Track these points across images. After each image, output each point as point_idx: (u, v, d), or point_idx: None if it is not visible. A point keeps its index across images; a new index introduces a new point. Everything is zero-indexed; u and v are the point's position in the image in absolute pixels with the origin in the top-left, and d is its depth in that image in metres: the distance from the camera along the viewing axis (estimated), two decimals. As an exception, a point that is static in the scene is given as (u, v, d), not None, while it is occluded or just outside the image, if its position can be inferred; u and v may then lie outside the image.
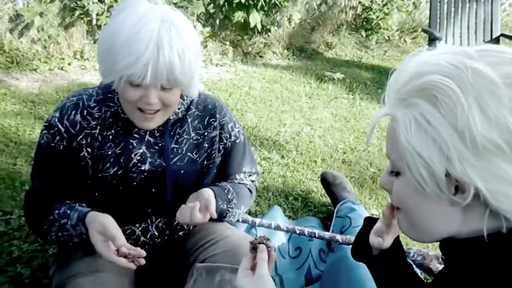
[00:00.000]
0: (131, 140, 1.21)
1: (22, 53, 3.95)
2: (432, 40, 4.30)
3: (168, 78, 1.05)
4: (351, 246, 1.71)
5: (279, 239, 1.92)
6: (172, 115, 1.23)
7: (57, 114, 1.20)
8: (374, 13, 5.52)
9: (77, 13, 3.99)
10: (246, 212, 2.14)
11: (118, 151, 1.20)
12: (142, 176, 1.22)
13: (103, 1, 4.07)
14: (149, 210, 1.27)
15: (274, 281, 1.70)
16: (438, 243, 0.74)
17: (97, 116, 1.20)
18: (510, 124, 0.58)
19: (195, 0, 4.33)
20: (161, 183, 1.24)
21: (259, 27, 4.60)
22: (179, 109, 1.25)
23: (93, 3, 3.91)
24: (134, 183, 1.22)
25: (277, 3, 4.63)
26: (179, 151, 1.26)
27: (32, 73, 3.78)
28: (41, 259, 1.76)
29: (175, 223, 1.32)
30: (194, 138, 1.29)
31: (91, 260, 1.19)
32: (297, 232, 1.85)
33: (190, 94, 1.20)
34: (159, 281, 1.36)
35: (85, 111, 1.20)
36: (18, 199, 2.12)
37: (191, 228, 1.37)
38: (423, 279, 1.75)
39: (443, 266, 2.00)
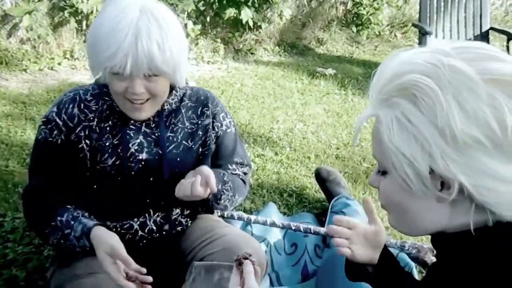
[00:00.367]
0: (128, 131, 1.24)
1: (11, 53, 3.91)
2: (423, 34, 4.32)
3: (149, 67, 1.09)
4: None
5: (275, 236, 1.93)
6: (166, 106, 1.27)
7: (55, 109, 1.23)
8: (364, 8, 5.53)
9: (66, 12, 3.96)
10: (241, 210, 2.15)
11: (115, 142, 1.23)
12: (140, 165, 1.25)
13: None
14: (148, 201, 1.28)
15: (271, 277, 1.73)
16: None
17: (94, 109, 1.24)
18: (489, 119, 0.59)
19: (185, -2, 4.31)
20: (159, 172, 1.26)
21: (250, 23, 4.59)
22: (172, 99, 1.29)
23: (82, 1, 3.88)
24: (132, 173, 1.24)
25: (268, -1, 4.63)
26: (175, 139, 1.29)
27: (22, 73, 3.75)
28: (36, 261, 1.75)
29: (173, 217, 1.33)
30: (188, 127, 1.32)
31: (89, 261, 1.19)
32: (293, 228, 1.86)
33: (177, 83, 1.23)
34: (157, 280, 1.35)
35: (82, 105, 1.23)
36: (11, 201, 2.11)
37: (189, 224, 1.38)
38: (417, 272, 1.77)
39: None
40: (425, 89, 0.61)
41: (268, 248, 1.84)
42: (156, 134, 1.26)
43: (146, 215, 1.30)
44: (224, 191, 1.32)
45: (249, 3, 4.54)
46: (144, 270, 1.08)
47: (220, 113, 1.39)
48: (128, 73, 1.08)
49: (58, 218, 1.18)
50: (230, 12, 4.49)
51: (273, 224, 1.89)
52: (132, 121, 1.24)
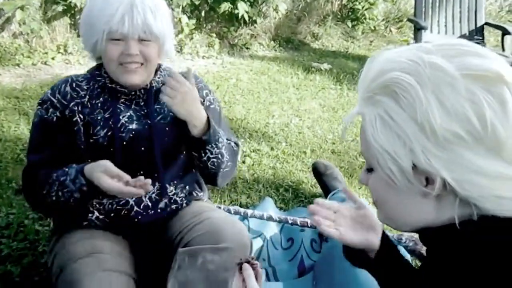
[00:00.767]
0: (118, 106, 1.32)
1: (4, 48, 3.87)
2: (418, 29, 4.32)
3: (144, 30, 1.21)
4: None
5: (271, 230, 1.92)
6: (154, 84, 1.36)
7: (49, 91, 1.33)
8: (359, 3, 5.53)
9: (59, 6, 3.92)
10: (237, 205, 2.14)
11: (107, 116, 1.31)
12: (131, 135, 1.31)
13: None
14: (141, 172, 1.28)
15: (267, 272, 1.72)
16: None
17: (85, 88, 1.33)
18: (468, 114, 0.60)
19: (180, -8, 4.27)
20: (149, 141, 1.33)
21: (245, 18, 4.57)
22: (158, 78, 1.38)
23: (75, -5, 3.84)
24: (124, 143, 1.30)
25: (263, -6, 4.61)
26: (162, 111, 1.36)
27: (15, 68, 3.71)
28: (31, 257, 1.74)
29: (169, 195, 1.37)
30: None
31: (90, 242, 1.25)
32: (290, 222, 1.86)
33: (166, 52, 1.33)
34: (148, 263, 1.36)
35: (74, 84, 1.33)
36: (5, 196, 2.09)
37: (184, 204, 1.40)
38: (414, 265, 1.78)
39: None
40: (405, 86, 0.62)
41: (265, 243, 1.84)
42: (145, 110, 1.34)
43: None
44: (220, 133, 1.35)
45: (244, -2, 4.52)
46: (140, 178, 1.15)
47: (203, 90, 1.44)
48: (126, 32, 1.19)
49: (54, 174, 1.24)
50: (225, 6, 4.47)
51: (270, 218, 1.89)
52: (122, 99, 1.33)
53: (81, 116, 1.29)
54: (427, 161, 0.62)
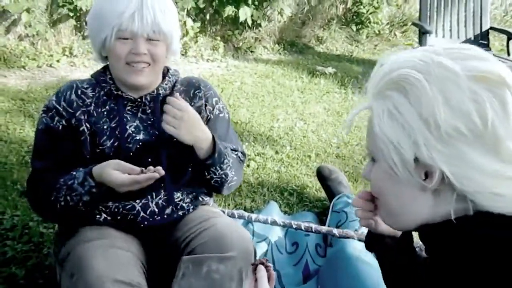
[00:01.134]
0: (125, 115, 1.30)
1: (10, 50, 3.88)
2: (423, 33, 4.31)
3: (153, 28, 1.20)
4: (349, 239, 1.75)
5: (276, 234, 1.92)
6: (161, 90, 1.33)
7: (54, 98, 1.30)
8: (364, 7, 5.52)
9: (65, 9, 3.93)
10: (241, 209, 2.14)
11: (113, 125, 1.29)
12: (138, 146, 1.30)
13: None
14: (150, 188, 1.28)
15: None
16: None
17: (91, 95, 1.30)
18: (471, 112, 0.64)
19: (185, -5, 4.29)
20: (156, 152, 1.31)
21: (249, 21, 4.57)
22: (166, 85, 1.34)
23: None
24: (131, 154, 1.29)
25: (268, -3, 4.61)
26: None
27: (20, 70, 3.73)
28: (36, 259, 1.74)
29: (175, 201, 1.36)
30: None
31: (98, 229, 1.27)
32: (294, 226, 1.85)
33: (173, 51, 1.32)
34: (153, 268, 1.35)
35: (79, 91, 1.30)
36: (10, 198, 2.09)
37: (190, 209, 1.39)
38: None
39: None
40: (414, 82, 0.66)
41: (270, 247, 1.83)
42: (152, 119, 1.32)
43: (149, 197, 1.32)
44: (226, 154, 1.33)
45: (249, 1, 4.52)
46: (151, 167, 1.17)
47: (213, 97, 1.42)
48: (135, 30, 1.18)
49: (61, 179, 1.23)
50: (230, 9, 4.48)
51: (274, 223, 1.88)
52: (129, 107, 1.30)
53: (88, 125, 1.28)
54: (428, 154, 0.65)
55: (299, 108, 3.47)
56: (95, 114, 1.28)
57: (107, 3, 1.21)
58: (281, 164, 2.62)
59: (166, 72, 1.38)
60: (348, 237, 1.76)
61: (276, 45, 5.02)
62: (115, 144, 1.28)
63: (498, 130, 0.64)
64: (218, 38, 4.68)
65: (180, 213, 1.37)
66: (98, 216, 1.31)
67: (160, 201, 1.34)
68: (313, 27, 5.41)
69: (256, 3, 4.63)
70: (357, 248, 1.71)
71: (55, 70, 3.84)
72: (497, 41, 5.18)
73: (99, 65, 1.38)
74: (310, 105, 3.56)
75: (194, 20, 4.48)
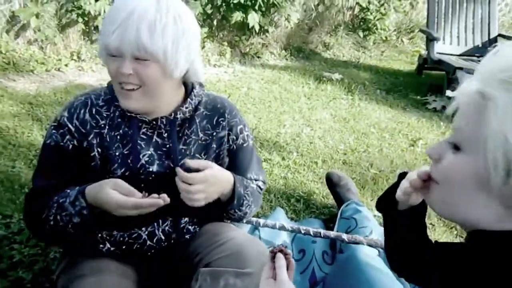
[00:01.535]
0: (139, 141, 1.20)
1: (19, 54, 3.91)
2: (430, 40, 4.31)
3: (137, 47, 1.06)
4: (358, 245, 1.74)
5: (282, 241, 1.91)
6: (179, 114, 1.22)
7: (66, 113, 1.20)
8: (371, 13, 5.53)
9: (74, 13, 3.96)
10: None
11: (125, 152, 1.20)
12: (150, 178, 1.21)
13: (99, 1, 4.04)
14: (157, 212, 1.25)
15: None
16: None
17: (105, 115, 1.20)
18: None
19: (192, 1, 4.31)
20: (170, 185, 1.18)
21: (256, 27, 4.59)
22: (186, 108, 1.23)
23: (89, 3, 3.88)
24: (142, 185, 1.18)
25: (275, 3, 4.63)
26: (187, 152, 1.24)
27: (29, 74, 3.75)
28: (42, 263, 1.74)
29: (182, 225, 1.30)
30: (202, 138, 1.27)
31: (94, 262, 1.19)
32: (302, 232, 1.84)
33: (171, 75, 1.14)
34: (162, 284, 1.34)
35: (93, 110, 1.20)
36: (18, 202, 2.10)
37: (197, 230, 1.34)
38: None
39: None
40: None
41: (276, 254, 1.82)
42: (168, 146, 1.22)
43: (155, 224, 1.26)
44: (246, 196, 1.28)
45: (256, 7, 4.54)
46: (155, 195, 1.07)
47: (237, 125, 1.31)
48: (114, 47, 1.07)
49: (55, 197, 1.15)
50: (237, 15, 4.49)
51: (282, 228, 1.87)
52: (144, 130, 1.20)
53: (99, 150, 1.19)
54: None
55: (305, 114, 3.47)
56: (108, 139, 1.19)
57: (107, 15, 1.12)
58: (287, 170, 2.61)
59: (190, 91, 1.25)
60: (357, 243, 1.75)
61: (283, 51, 5.03)
62: (126, 173, 1.19)
63: None
64: (225, 43, 4.69)
65: (187, 236, 1.31)
66: (101, 246, 1.24)
67: (167, 228, 1.27)
68: (320, 33, 5.42)
69: (263, 9, 4.64)
70: (367, 254, 1.70)
71: (63, 74, 3.87)
72: (505, 48, 5.15)
73: (106, 69, 1.33)
74: (317, 111, 3.55)
75: (201, 26, 4.50)
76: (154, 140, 1.21)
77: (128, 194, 1.06)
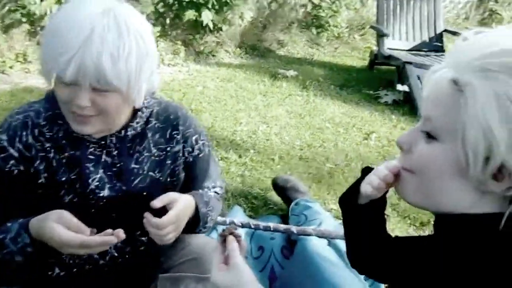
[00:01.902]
0: (87, 164, 1.09)
1: (-42, 56, 3.71)
2: (380, 36, 4.43)
3: (97, 79, 0.92)
4: (308, 237, 1.76)
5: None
6: (130, 131, 1.11)
7: (5, 137, 1.05)
8: (323, 10, 5.60)
9: (18, 13, 3.79)
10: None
11: (73, 177, 1.08)
12: (101, 203, 1.11)
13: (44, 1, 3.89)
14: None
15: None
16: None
17: (48, 136, 1.07)
18: None
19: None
20: (122, 208, 1.13)
21: (210, 26, 4.55)
22: (137, 123, 1.12)
23: (34, 3, 3.72)
24: (93, 210, 1.10)
25: (228, 1, 4.61)
26: (140, 172, 1.14)
27: (-30, 77, 3.56)
28: None
29: (135, 238, 1.21)
30: (155, 154, 1.17)
31: None
32: (252, 226, 1.87)
33: (134, 102, 1.04)
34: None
35: (36, 131, 1.06)
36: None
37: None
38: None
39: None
40: None
41: (235, 252, 1.82)
42: (118, 165, 1.11)
43: None
44: (209, 212, 1.23)
45: (209, 5, 4.50)
46: (109, 230, 0.97)
47: (192, 136, 1.22)
48: (70, 80, 0.92)
49: None
50: (190, 14, 4.44)
51: (232, 223, 1.88)
52: (91, 150, 1.09)
53: (46, 175, 1.07)
54: None
55: (261, 112, 3.48)
56: (54, 163, 1.07)
57: (52, 35, 0.94)
58: (245, 168, 2.61)
59: (139, 108, 1.13)
60: (306, 235, 1.79)
61: (238, 49, 5.02)
62: (75, 200, 1.08)
63: None
64: (179, 42, 4.63)
65: (142, 248, 1.22)
66: (50, 272, 1.13)
67: (119, 244, 1.14)
68: (274, 31, 5.44)
69: (217, 7, 4.61)
70: (317, 245, 1.73)
71: (8, 77, 3.69)
72: (450, 42, 5.36)
73: None
74: (273, 108, 3.57)
75: (154, 25, 4.41)
76: (103, 159, 1.10)
77: (75, 230, 0.95)
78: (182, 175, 1.24)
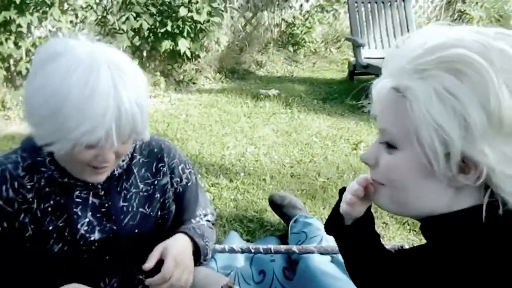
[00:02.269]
0: (74, 209, 1.05)
1: None
2: (357, 47, 4.48)
3: (130, 134, 0.92)
4: (310, 255, 1.73)
5: (240, 264, 1.86)
6: (117, 169, 1.08)
7: None
8: (297, 28, 5.69)
9: (-8, 61, 3.76)
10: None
11: (60, 224, 1.04)
12: (93, 247, 1.07)
13: (20, 46, 3.86)
14: (102, 275, 1.13)
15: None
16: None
17: (29, 187, 1.02)
18: None
19: (118, 35, 4.23)
20: (115, 249, 1.10)
21: (188, 54, 4.56)
22: (123, 160, 1.09)
23: (8, 48, 3.70)
24: (85, 256, 1.07)
25: (203, 28, 4.63)
26: (130, 209, 1.11)
27: (-51, 130, 3.49)
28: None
29: (132, 277, 1.18)
30: (143, 189, 1.14)
31: None
32: (252, 250, 1.83)
33: (144, 137, 1.03)
34: None
35: (15, 183, 1.01)
36: None
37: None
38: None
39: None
40: (477, 66, 0.58)
41: (236, 279, 1.77)
42: (106, 205, 1.08)
43: (102, 284, 1.14)
44: (207, 243, 1.21)
45: (185, 34, 4.52)
46: None
47: (178, 166, 1.20)
48: (110, 145, 0.90)
49: None
50: (166, 44, 4.45)
51: (231, 250, 1.84)
52: (77, 193, 1.05)
53: (32, 227, 1.02)
54: (482, 149, 0.58)
55: (248, 133, 3.46)
56: (39, 214, 1.02)
57: (70, 104, 0.85)
58: (237, 192, 2.57)
59: None
60: (308, 252, 1.75)
61: (218, 74, 5.03)
62: (65, 248, 1.04)
63: None
64: (158, 73, 4.62)
65: (141, 287, 1.18)
66: None
67: (115, 285, 1.14)
68: (251, 53, 5.48)
69: (192, 35, 4.63)
70: (320, 262, 1.71)
71: (-12, 125, 3.63)
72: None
73: None
74: (259, 129, 3.56)
75: (132, 58, 4.41)
76: (90, 202, 1.07)
77: None
78: (173, 207, 1.22)
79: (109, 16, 4.37)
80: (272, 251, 1.80)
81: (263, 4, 5.62)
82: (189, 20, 4.54)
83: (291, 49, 5.65)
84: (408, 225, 2.23)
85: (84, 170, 0.99)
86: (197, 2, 4.46)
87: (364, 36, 4.66)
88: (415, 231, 2.20)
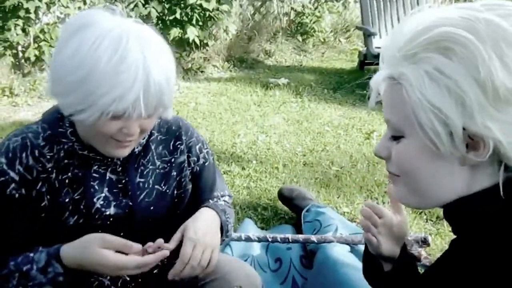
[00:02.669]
0: (91, 182, 1.05)
1: None
2: (368, 36, 4.42)
3: (156, 107, 0.92)
4: (328, 244, 1.69)
5: (256, 252, 1.83)
6: (137, 146, 1.07)
7: (3, 159, 0.99)
8: (307, 17, 5.61)
9: (0, 47, 3.72)
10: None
11: (77, 197, 1.04)
12: (108, 222, 1.06)
13: (28, 33, 3.82)
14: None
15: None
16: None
17: (49, 157, 1.01)
18: None
19: (127, 21, 4.17)
20: (130, 225, 1.09)
21: (197, 42, 4.51)
22: (143, 138, 1.08)
23: (17, 34, 3.66)
24: (99, 231, 1.03)
25: (212, 16, 4.58)
26: (146, 185, 1.10)
27: (-43, 116, 3.47)
28: None
29: None
30: (160, 167, 1.13)
31: None
32: (270, 239, 1.79)
33: (168, 115, 1.03)
34: None
35: (36, 152, 1.01)
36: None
37: (165, 261, 1.14)
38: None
39: (423, 249, 1.93)
40: (463, 41, 0.57)
41: (252, 266, 1.73)
42: (124, 181, 1.07)
43: None
44: (228, 219, 1.18)
45: (193, 22, 4.47)
46: (156, 244, 0.98)
47: (196, 145, 1.19)
48: (137, 115, 0.90)
49: (11, 263, 0.98)
50: (175, 32, 4.40)
51: (248, 239, 1.81)
52: (95, 167, 1.05)
53: (49, 197, 1.02)
54: (483, 122, 0.57)
55: (258, 122, 3.42)
56: (57, 184, 1.02)
57: (100, 71, 0.85)
58: (249, 180, 2.54)
59: None
60: (326, 242, 1.72)
61: (226, 63, 4.98)
62: (80, 221, 1.04)
63: None
64: (166, 61, 4.57)
65: (155, 271, 1.16)
66: None
67: None
68: (260, 42, 5.42)
69: (201, 23, 4.58)
70: (339, 252, 1.67)
71: (-4, 112, 3.60)
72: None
73: (43, 102, 1.14)
74: (269, 117, 3.51)
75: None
76: (107, 177, 1.06)
77: (122, 249, 0.94)
78: (189, 186, 1.20)
79: (117, 3, 4.31)
80: (290, 240, 1.77)
81: (272, -8, 5.55)
82: (198, 7, 4.48)
83: (299, 38, 5.58)
84: (425, 214, 2.18)
85: (108, 143, 0.97)
86: (206, -11, 4.40)
87: (376, 25, 4.59)
88: (432, 220, 2.16)
